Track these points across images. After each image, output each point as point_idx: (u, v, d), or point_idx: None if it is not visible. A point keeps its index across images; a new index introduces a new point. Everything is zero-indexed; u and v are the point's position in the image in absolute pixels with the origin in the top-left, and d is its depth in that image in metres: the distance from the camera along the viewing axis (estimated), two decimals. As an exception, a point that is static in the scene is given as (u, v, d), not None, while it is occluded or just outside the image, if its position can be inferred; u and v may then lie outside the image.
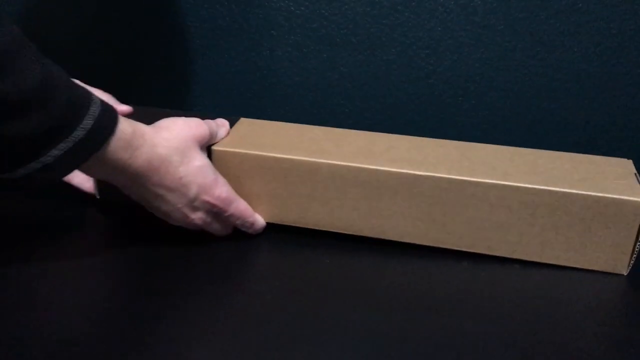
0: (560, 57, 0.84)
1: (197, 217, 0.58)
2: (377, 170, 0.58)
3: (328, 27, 0.83)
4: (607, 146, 0.87)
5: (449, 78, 0.85)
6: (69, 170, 0.49)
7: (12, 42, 0.45)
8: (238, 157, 0.60)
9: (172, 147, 0.55)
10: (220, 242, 0.61)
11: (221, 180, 0.58)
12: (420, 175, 0.57)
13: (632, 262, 0.57)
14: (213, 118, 0.63)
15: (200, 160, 0.57)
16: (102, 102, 0.50)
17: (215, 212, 0.59)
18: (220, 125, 0.63)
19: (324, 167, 0.59)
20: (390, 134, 0.65)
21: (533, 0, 0.81)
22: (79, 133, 0.48)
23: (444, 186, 0.57)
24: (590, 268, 0.57)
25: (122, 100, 0.67)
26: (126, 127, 0.52)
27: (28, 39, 0.46)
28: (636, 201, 0.54)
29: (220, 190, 0.58)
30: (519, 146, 0.86)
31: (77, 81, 0.50)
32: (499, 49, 0.84)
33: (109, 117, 0.50)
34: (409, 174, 0.57)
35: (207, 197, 0.57)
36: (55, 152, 0.47)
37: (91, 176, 0.63)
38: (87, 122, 0.48)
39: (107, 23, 0.89)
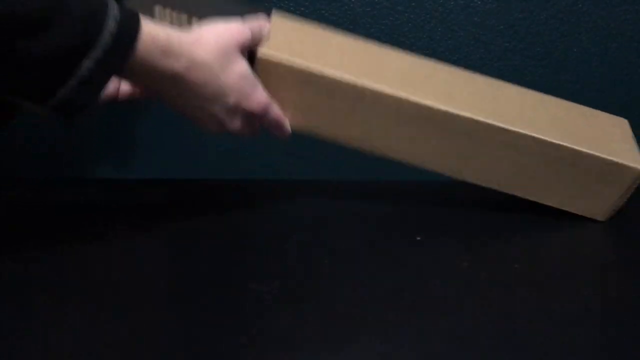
0: (560, 58, 0.84)
1: (234, 124, 0.58)
2: (418, 104, 0.61)
3: (328, 27, 0.83)
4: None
5: (448, 78, 0.85)
6: (107, 81, 0.49)
7: None
8: (283, 68, 0.60)
9: (212, 55, 0.54)
10: (221, 244, 0.61)
11: (259, 86, 0.58)
12: (457, 115, 0.62)
13: (611, 212, 0.66)
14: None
15: (240, 67, 0.57)
16: (120, 6, 0.49)
17: (251, 117, 0.59)
18: (262, 26, 0.61)
19: (368, 93, 0.61)
20: (427, 59, 0.70)
21: (533, 0, 0.81)
22: (105, 38, 0.47)
23: (476, 128, 0.62)
24: (575, 212, 0.66)
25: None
26: (159, 31, 0.51)
27: None
28: (635, 168, 0.63)
29: (260, 96, 0.58)
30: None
31: None
32: (498, 49, 0.84)
33: (133, 20, 0.49)
34: (447, 112, 0.62)
35: (246, 104, 0.57)
36: (87, 63, 0.46)
37: (132, 84, 0.62)
38: (111, 25, 0.47)
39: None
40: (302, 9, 0.83)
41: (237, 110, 0.57)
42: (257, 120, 0.60)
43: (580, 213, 0.66)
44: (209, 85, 0.55)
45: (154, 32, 0.50)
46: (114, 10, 0.48)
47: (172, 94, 0.55)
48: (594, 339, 0.47)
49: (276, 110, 0.61)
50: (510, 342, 0.47)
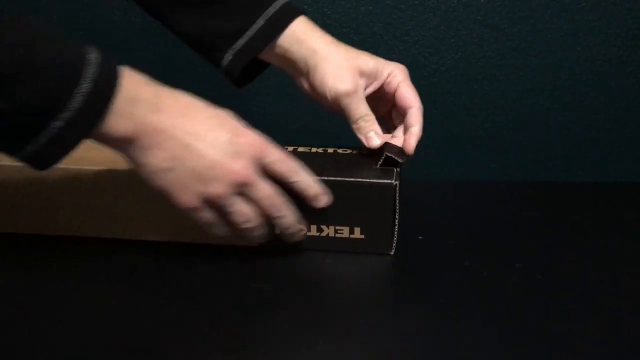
0: (563, 56, 0.83)
1: (240, 165, 0.49)
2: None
3: (331, 25, 0.83)
4: (609, 145, 0.87)
5: (452, 77, 0.85)
6: (79, 140, 0.46)
7: None
8: None
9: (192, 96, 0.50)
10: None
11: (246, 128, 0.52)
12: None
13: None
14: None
15: (221, 110, 0.52)
16: (102, 59, 0.46)
17: (258, 161, 0.51)
18: None
19: None
20: None
21: (536, -1, 0.81)
22: (77, 99, 0.44)
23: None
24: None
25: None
26: (137, 81, 0.47)
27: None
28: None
29: (254, 134, 0.51)
30: (522, 144, 0.86)
31: (69, 40, 0.46)
32: (502, 47, 0.83)
33: (109, 76, 0.45)
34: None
35: (242, 139, 0.50)
36: (57, 123, 0.44)
37: (105, 143, 0.49)
38: (85, 86, 0.44)
39: (106, 21, 0.89)
40: (305, 7, 0.82)
41: (237, 146, 0.49)
42: (265, 164, 0.52)
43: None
44: (198, 121, 0.49)
45: (134, 82, 0.47)
46: (92, 66, 0.45)
47: (155, 145, 0.48)
48: (594, 335, 0.47)
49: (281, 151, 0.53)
50: (510, 341, 0.47)
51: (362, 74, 0.60)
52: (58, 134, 0.44)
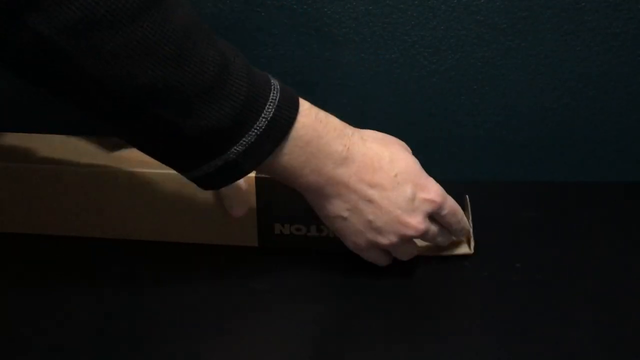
0: (563, 57, 0.83)
1: (416, 221, 0.49)
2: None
3: (330, 25, 0.83)
4: (609, 145, 0.87)
5: (452, 77, 0.85)
6: (255, 166, 0.45)
7: (193, 24, 0.40)
8: None
9: (379, 140, 0.49)
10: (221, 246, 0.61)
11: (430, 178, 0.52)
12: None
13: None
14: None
15: (406, 155, 0.51)
16: (281, 85, 0.45)
17: (433, 213, 0.51)
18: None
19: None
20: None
21: (536, -1, 0.81)
22: (261, 124, 0.43)
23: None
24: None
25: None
26: (317, 113, 0.46)
27: (200, 19, 0.42)
28: None
29: (436, 186, 0.51)
30: (522, 144, 0.86)
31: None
32: (502, 47, 0.83)
33: (291, 101, 0.44)
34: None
35: (424, 195, 0.49)
36: (238, 147, 0.43)
37: (279, 177, 0.48)
38: (268, 111, 0.43)
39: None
40: (305, 7, 0.82)
41: (418, 202, 0.49)
42: (440, 217, 0.52)
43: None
44: (384, 174, 0.48)
45: (315, 114, 0.46)
46: (275, 91, 0.44)
47: (334, 190, 0.47)
48: (594, 334, 0.47)
49: (451, 203, 0.52)
50: (510, 341, 0.47)
51: None
52: (236, 159, 0.43)
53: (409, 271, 0.57)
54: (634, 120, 0.86)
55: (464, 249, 0.59)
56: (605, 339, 0.47)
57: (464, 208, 0.58)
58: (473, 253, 0.58)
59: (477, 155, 0.87)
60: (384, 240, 0.49)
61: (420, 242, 0.57)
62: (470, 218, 0.60)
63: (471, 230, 0.58)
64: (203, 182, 0.45)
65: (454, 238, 0.56)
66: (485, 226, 0.66)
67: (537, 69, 0.84)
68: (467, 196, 0.62)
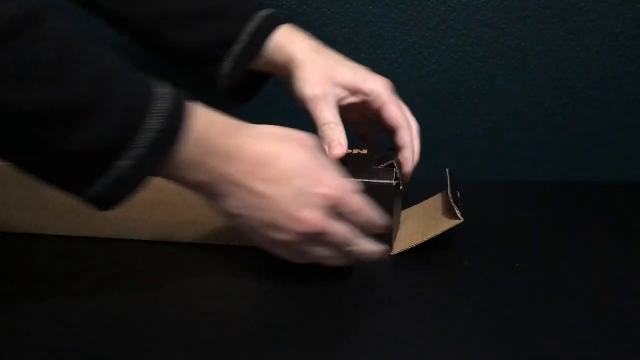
0: (563, 56, 0.83)
1: (310, 216, 0.47)
2: None
3: (330, 25, 0.83)
4: (609, 145, 0.87)
5: (452, 77, 0.85)
6: (148, 179, 0.44)
7: (67, 39, 0.40)
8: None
9: (273, 136, 0.49)
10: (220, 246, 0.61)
11: (329, 167, 0.50)
12: None
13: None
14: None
15: (302, 150, 0.49)
16: (174, 94, 0.45)
17: (332, 210, 0.49)
18: None
19: None
20: None
21: (536, -1, 0.81)
22: (148, 136, 0.42)
23: None
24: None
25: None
26: (207, 116, 0.46)
27: (83, 36, 0.42)
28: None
29: (334, 181, 0.49)
30: (522, 144, 0.86)
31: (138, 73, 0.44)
32: (501, 47, 0.83)
33: (180, 111, 0.44)
34: None
35: (318, 189, 0.48)
36: (125, 162, 0.42)
37: (179, 183, 0.48)
38: (154, 122, 0.42)
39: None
40: (305, 7, 0.82)
41: (312, 198, 0.47)
42: (344, 213, 0.50)
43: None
44: (274, 171, 0.47)
45: (208, 118, 0.46)
46: (162, 101, 0.43)
47: (230, 190, 0.47)
48: (594, 334, 0.47)
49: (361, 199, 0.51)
50: (511, 341, 0.47)
51: (336, 83, 0.60)
52: (125, 176, 0.43)
53: (408, 271, 0.57)
54: (634, 120, 0.86)
55: (454, 222, 0.58)
56: (605, 339, 0.47)
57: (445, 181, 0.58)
58: (464, 220, 0.57)
59: (477, 155, 0.87)
60: (281, 236, 0.48)
61: (403, 238, 0.59)
62: (449, 189, 0.61)
63: (456, 203, 0.58)
64: (98, 202, 0.44)
65: (370, 243, 0.53)
66: (485, 226, 0.67)
67: (537, 69, 0.84)
68: (447, 170, 0.64)
